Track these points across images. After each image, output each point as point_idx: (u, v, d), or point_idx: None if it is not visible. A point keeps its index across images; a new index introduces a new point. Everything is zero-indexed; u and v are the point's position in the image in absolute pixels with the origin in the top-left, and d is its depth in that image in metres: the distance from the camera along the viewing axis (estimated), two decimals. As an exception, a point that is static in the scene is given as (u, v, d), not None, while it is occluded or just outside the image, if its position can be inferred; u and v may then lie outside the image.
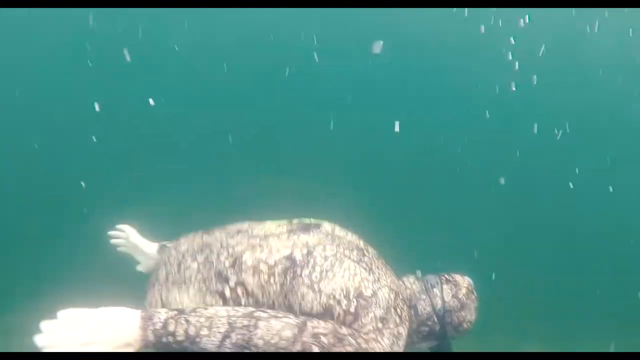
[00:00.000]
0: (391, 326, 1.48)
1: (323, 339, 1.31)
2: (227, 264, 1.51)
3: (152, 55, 4.99)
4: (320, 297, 1.41)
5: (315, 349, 1.30)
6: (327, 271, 1.46)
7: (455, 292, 1.72)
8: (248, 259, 1.50)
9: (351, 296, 1.43)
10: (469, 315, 1.75)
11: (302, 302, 1.41)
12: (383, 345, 1.43)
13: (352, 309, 1.42)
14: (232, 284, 1.46)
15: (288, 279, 1.44)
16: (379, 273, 1.57)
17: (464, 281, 1.77)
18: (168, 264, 1.62)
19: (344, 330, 1.37)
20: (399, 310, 1.54)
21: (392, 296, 1.55)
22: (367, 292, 1.47)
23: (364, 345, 1.38)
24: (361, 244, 1.67)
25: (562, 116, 5.65)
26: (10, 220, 4.11)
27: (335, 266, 1.47)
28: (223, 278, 1.47)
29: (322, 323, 1.35)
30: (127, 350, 1.22)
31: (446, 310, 1.70)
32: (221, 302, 1.45)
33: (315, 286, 1.42)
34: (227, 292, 1.45)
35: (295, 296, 1.42)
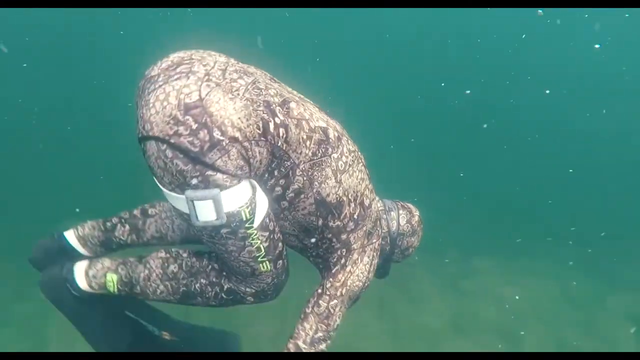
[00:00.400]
0: (374, 240, 1.70)
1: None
2: (276, 100, 1.38)
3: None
4: (338, 190, 1.50)
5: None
6: (349, 165, 1.53)
7: (409, 218, 1.86)
8: (295, 108, 1.41)
9: (357, 202, 1.58)
10: (416, 242, 1.92)
11: (323, 182, 1.47)
12: (365, 261, 1.65)
13: (355, 216, 1.58)
14: (277, 120, 1.34)
15: (321, 151, 1.44)
16: (371, 182, 1.70)
17: (417, 210, 1.91)
18: (204, 62, 1.36)
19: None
20: (379, 223, 1.74)
21: (379, 207, 1.81)
22: (366, 202, 1.62)
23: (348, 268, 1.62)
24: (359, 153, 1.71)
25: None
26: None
27: (354, 164, 1.56)
28: (270, 110, 1.34)
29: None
30: None
31: (399, 233, 1.84)
32: (261, 131, 1.31)
33: (338, 175, 1.49)
34: (272, 126, 1.33)
35: (319, 173, 1.45)
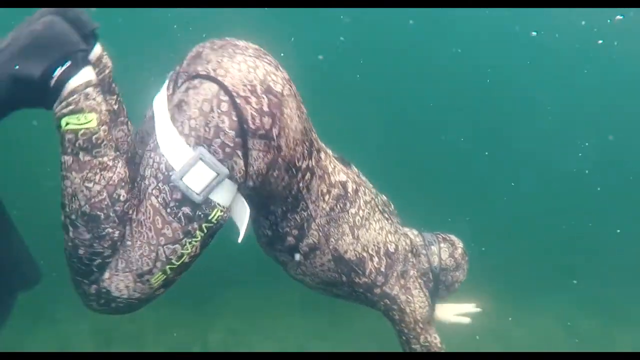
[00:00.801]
0: (411, 274, 1.61)
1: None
2: (315, 145, 1.39)
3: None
4: (356, 246, 1.46)
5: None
6: (366, 219, 1.49)
7: (451, 252, 1.77)
8: (323, 159, 1.41)
9: (381, 253, 1.52)
10: (462, 276, 1.82)
11: (340, 239, 1.43)
12: (418, 294, 1.59)
13: (382, 268, 1.51)
14: (310, 163, 1.34)
15: (339, 206, 1.42)
16: (394, 220, 1.65)
17: (459, 242, 1.82)
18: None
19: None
20: (410, 257, 1.66)
21: (408, 242, 1.68)
22: (391, 248, 1.55)
23: (404, 301, 1.57)
24: (374, 189, 1.70)
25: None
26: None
27: (370, 216, 1.51)
28: (309, 151, 1.34)
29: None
30: None
31: (442, 268, 1.74)
32: (298, 164, 1.30)
33: (356, 231, 1.46)
34: (304, 165, 1.32)
35: (336, 229, 1.43)
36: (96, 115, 1.12)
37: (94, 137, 1.12)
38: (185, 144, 1.13)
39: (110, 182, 1.13)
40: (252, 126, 1.14)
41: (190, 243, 1.18)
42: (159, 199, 1.14)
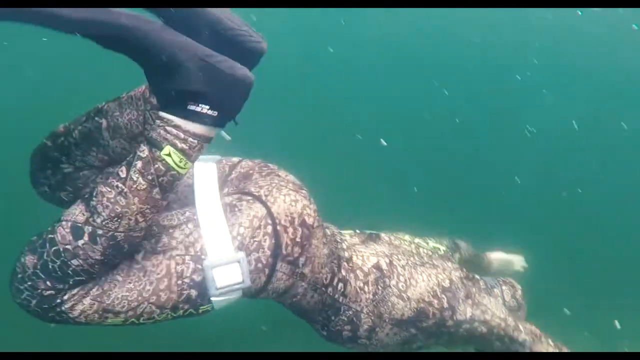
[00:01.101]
0: (474, 290, 1.66)
1: None
2: (345, 255, 1.54)
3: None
4: (410, 304, 1.52)
5: None
6: (409, 279, 1.56)
7: (513, 293, 1.84)
8: (355, 261, 1.55)
9: (439, 293, 1.57)
10: (523, 315, 1.86)
11: (392, 310, 1.51)
12: (489, 301, 1.64)
13: (445, 305, 1.56)
14: (340, 275, 1.49)
15: (380, 288, 1.51)
16: (437, 263, 1.70)
17: (518, 284, 1.89)
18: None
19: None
20: (467, 282, 1.69)
21: (460, 274, 1.70)
22: (446, 284, 1.61)
23: (482, 315, 1.60)
24: (411, 246, 1.76)
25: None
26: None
27: (413, 274, 1.58)
28: (338, 265, 1.50)
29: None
30: None
31: (508, 308, 1.78)
32: (327, 282, 1.46)
33: (404, 295, 1.53)
34: (335, 280, 1.48)
35: (385, 306, 1.50)
36: (190, 166, 1.16)
37: (175, 182, 1.15)
38: (230, 243, 1.24)
39: (152, 223, 1.20)
40: (284, 252, 1.31)
41: (169, 315, 1.21)
42: (178, 268, 1.19)
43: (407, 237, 1.78)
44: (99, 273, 1.12)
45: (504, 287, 1.83)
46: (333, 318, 1.49)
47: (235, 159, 1.56)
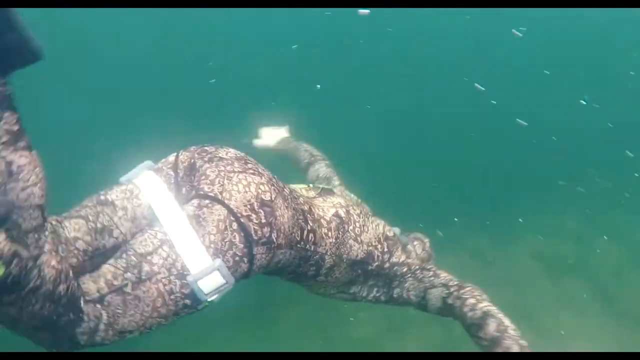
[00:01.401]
0: (409, 248, 1.93)
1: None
2: (305, 208, 1.64)
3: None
4: (362, 246, 1.75)
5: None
6: (363, 226, 1.78)
7: (423, 246, 2.05)
8: (315, 212, 1.69)
9: (382, 240, 1.82)
10: (432, 263, 2.06)
11: (350, 251, 1.72)
12: (408, 250, 1.89)
13: (386, 249, 1.81)
14: (308, 227, 1.60)
15: (341, 233, 1.70)
16: (382, 220, 1.93)
17: (425, 237, 2.10)
18: (260, 167, 1.60)
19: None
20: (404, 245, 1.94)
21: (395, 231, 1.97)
22: (390, 234, 1.88)
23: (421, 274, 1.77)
24: (359, 201, 1.97)
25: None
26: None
27: (366, 222, 1.81)
28: (304, 218, 1.60)
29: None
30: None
31: (420, 259, 1.99)
32: (299, 238, 1.56)
33: (359, 238, 1.75)
34: (305, 232, 1.58)
35: (344, 247, 1.71)
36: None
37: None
38: (205, 253, 1.32)
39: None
40: (255, 237, 1.39)
41: (174, 318, 1.36)
42: (167, 287, 1.30)
43: (352, 195, 1.99)
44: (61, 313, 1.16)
45: (415, 243, 2.02)
46: (303, 264, 1.62)
47: (171, 157, 1.56)
